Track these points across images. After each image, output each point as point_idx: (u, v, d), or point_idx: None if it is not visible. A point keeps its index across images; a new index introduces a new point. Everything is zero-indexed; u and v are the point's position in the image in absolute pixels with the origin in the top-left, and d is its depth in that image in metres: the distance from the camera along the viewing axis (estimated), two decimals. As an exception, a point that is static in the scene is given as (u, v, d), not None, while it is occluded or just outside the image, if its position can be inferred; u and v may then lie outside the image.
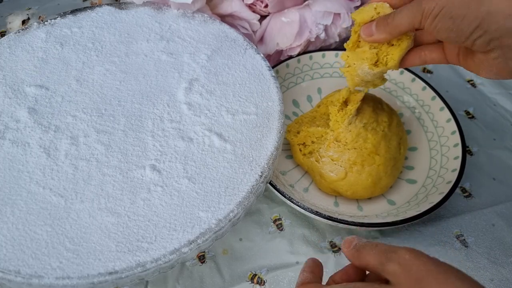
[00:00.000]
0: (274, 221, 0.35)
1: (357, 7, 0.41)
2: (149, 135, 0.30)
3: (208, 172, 0.28)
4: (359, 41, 0.30)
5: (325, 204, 0.35)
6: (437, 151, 0.37)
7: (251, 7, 0.41)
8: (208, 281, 0.31)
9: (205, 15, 0.37)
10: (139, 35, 0.36)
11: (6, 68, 0.33)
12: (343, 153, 0.34)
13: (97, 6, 0.38)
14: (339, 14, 0.41)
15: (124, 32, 0.36)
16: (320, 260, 0.32)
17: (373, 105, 0.36)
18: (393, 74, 0.42)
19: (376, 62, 0.30)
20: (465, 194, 0.38)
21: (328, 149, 0.34)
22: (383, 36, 0.27)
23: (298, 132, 0.37)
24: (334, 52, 0.42)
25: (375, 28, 0.27)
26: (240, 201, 0.27)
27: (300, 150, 0.36)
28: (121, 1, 0.39)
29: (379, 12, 0.28)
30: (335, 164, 0.34)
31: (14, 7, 0.48)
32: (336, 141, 0.34)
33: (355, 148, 0.34)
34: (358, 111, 0.36)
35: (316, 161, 0.35)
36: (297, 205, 0.31)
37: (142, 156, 0.29)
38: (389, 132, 0.36)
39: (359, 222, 0.31)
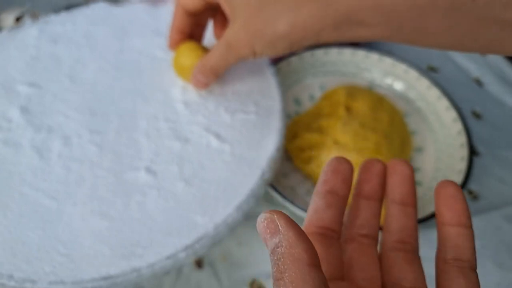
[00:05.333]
0: (275, 224, 0.34)
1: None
2: (144, 135, 0.29)
3: (205, 174, 0.27)
4: None
5: (327, 206, 0.34)
6: (443, 152, 0.36)
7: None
8: (206, 287, 0.31)
9: (203, 11, 0.37)
10: (134, 31, 0.35)
11: (-2, 66, 0.32)
12: (345, 155, 0.33)
13: (92, 2, 0.37)
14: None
15: (119, 29, 0.35)
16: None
17: (370, 103, 0.36)
18: (398, 73, 0.41)
19: None
20: (471, 196, 0.37)
21: (330, 153, 0.33)
22: (212, 80, 0.29)
23: (294, 137, 0.36)
24: (336, 49, 0.41)
25: (202, 77, 0.28)
26: (239, 205, 0.26)
27: (297, 155, 0.36)
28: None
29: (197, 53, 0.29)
30: (338, 167, 0.33)
31: (8, 4, 0.47)
32: (336, 143, 0.34)
33: (356, 149, 0.33)
34: (350, 110, 0.35)
35: (317, 166, 0.34)
36: (299, 209, 0.30)
37: (137, 157, 0.28)
38: (391, 132, 0.35)
39: (362, 226, 0.30)
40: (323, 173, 0.19)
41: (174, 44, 0.30)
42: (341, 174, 0.19)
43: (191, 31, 0.30)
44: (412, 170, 0.20)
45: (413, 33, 0.19)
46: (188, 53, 0.30)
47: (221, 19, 0.30)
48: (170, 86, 0.32)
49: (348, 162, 0.19)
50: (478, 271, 0.35)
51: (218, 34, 0.31)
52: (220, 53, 0.26)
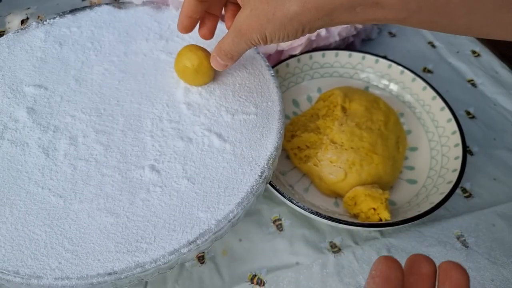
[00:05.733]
0: (274, 222, 0.35)
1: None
2: (148, 135, 0.30)
3: (207, 172, 0.28)
4: None
5: (325, 204, 0.35)
6: (438, 151, 0.37)
7: (251, 6, 0.40)
8: (208, 282, 0.31)
9: (205, 15, 0.37)
10: (138, 34, 0.36)
11: (5, 68, 0.33)
12: (341, 153, 0.34)
13: (96, 5, 0.37)
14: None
15: (123, 32, 0.36)
16: (320, 261, 0.32)
17: (366, 103, 0.37)
18: (394, 74, 0.41)
19: None
20: (465, 195, 0.37)
21: (326, 152, 0.34)
22: (230, 63, 0.28)
23: (293, 136, 0.37)
24: (334, 52, 0.42)
25: (220, 59, 0.28)
26: (239, 202, 0.27)
27: (295, 154, 0.36)
28: (120, 0, 0.39)
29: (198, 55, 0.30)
30: (334, 166, 0.34)
31: (13, 7, 0.48)
32: (332, 142, 0.34)
33: (352, 148, 0.34)
34: (346, 111, 0.36)
35: (314, 165, 0.35)
36: (297, 206, 0.31)
37: (141, 156, 0.28)
38: (386, 131, 0.36)
39: (359, 223, 0.31)
40: (370, 279, 0.17)
41: (183, 29, 0.30)
42: (392, 283, 0.17)
43: (201, 16, 0.30)
44: (468, 277, 0.17)
45: (430, 16, 0.18)
46: (189, 55, 0.30)
47: (233, 9, 0.30)
48: (173, 87, 0.32)
49: (398, 266, 0.17)
50: (472, 267, 0.35)
51: (229, 26, 0.30)
52: (232, 40, 0.26)
